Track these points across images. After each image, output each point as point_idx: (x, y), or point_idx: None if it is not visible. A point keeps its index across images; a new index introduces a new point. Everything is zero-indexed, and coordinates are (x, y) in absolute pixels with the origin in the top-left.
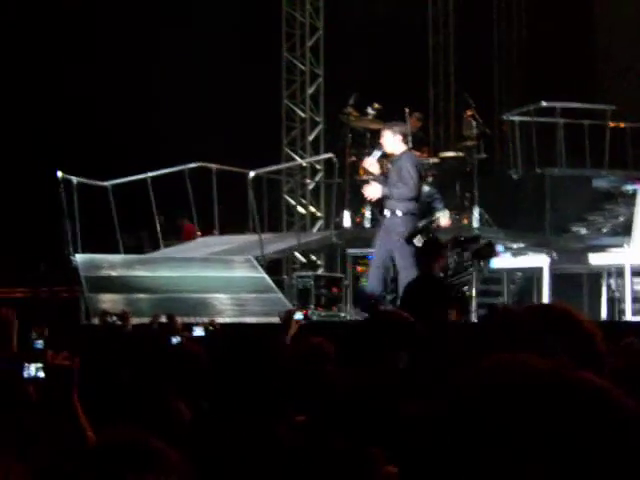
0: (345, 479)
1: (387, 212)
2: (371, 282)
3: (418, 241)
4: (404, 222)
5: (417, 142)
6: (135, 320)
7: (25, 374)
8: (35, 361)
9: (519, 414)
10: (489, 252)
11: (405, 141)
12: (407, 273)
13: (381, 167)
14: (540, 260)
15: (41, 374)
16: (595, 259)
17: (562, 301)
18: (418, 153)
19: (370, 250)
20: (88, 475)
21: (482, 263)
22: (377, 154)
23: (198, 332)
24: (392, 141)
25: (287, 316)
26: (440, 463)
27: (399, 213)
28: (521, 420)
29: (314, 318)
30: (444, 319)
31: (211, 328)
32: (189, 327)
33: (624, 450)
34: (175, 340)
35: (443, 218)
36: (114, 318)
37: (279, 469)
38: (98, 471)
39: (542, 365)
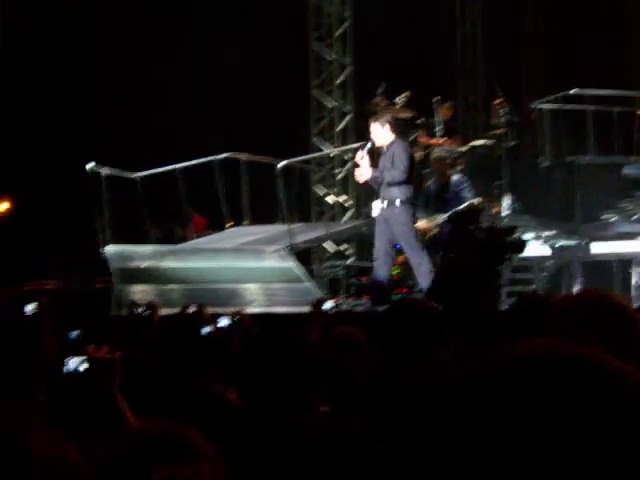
0: (361, 471)
1: (385, 203)
2: (381, 274)
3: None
4: (403, 211)
5: (448, 131)
6: (166, 311)
7: (65, 369)
8: (76, 355)
9: (516, 401)
10: (519, 247)
11: (394, 129)
12: (418, 260)
13: (372, 160)
14: (571, 248)
15: (82, 368)
16: (625, 246)
17: (592, 288)
18: (440, 140)
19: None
20: (121, 466)
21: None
22: (368, 146)
23: (223, 322)
24: (381, 133)
25: (316, 305)
26: (448, 454)
27: (397, 202)
28: (519, 408)
29: (344, 307)
30: (486, 308)
31: (237, 318)
32: (215, 317)
33: (630, 429)
34: (206, 330)
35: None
36: (142, 309)
37: (297, 460)
38: (131, 462)
39: (549, 346)
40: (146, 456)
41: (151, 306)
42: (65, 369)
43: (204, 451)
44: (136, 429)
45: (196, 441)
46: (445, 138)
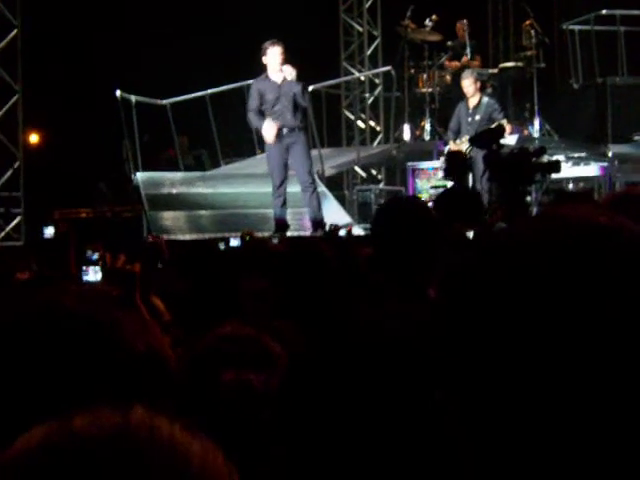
0: None
1: None
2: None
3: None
4: None
5: (472, 50)
6: (195, 236)
7: (84, 278)
8: (94, 265)
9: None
10: (556, 168)
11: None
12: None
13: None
14: (602, 169)
15: (99, 276)
16: None
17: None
18: (464, 60)
19: (430, 162)
20: (195, 364)
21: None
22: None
23: (234, 242)
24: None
25: (333, 231)
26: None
27: None
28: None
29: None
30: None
31: (248, 238)
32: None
33: None
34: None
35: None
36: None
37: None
38: (196, 365)
39: (581, 215)
40: (220, 357)
41: (156, 243)
42: (85, 279)
43: (276, 358)
44: (216, 330)
45: (273, 349)
46: (467, 59)
